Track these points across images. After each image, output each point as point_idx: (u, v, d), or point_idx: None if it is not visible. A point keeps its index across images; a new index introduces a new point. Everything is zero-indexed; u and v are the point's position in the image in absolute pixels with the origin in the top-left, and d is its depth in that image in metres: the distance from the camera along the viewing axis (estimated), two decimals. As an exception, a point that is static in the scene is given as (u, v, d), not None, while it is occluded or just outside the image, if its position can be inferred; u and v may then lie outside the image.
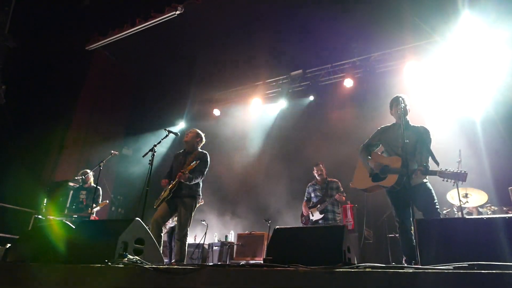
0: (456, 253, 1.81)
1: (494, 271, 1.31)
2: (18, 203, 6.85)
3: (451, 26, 6.32)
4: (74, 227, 3.04)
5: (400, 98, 3.61)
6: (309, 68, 8.36)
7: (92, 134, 9.08)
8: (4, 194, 7.21)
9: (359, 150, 3.93)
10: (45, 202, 7.05)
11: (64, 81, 9.12)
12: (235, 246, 6.93)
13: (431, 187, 3.46)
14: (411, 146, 3.49)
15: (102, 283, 2.10)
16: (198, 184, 4.44)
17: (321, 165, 5.55)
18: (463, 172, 3.15)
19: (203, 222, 7.01)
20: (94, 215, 6.34)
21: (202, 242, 6.98)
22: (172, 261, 5.55)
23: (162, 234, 4.29)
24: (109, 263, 2.19)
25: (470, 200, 4.95)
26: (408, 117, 3.65)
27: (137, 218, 2.63)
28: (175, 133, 4.79)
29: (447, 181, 3.28)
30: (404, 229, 3.43)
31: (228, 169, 8.63)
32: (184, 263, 4.06)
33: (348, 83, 7.74)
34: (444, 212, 5.22)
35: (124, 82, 10.25)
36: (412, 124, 3.69)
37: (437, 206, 3.37)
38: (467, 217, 4.53)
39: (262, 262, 2.28)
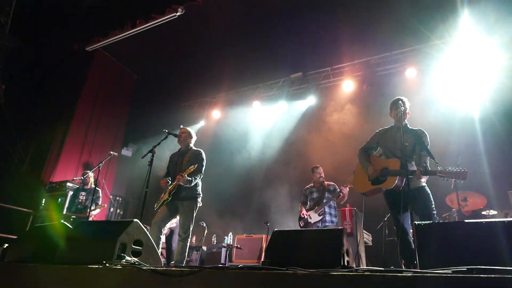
0: (455, 257, 1.79)
1: (493, 275, 1.31)
2: (17, 203, 6.83)
3: (450, 29, 6.34)
4: (71, 227, 3.02)
5: (400, 101, 3.61)
6: (309, 70, 8.38)
7: (92, 135, 9.08)
8: (3, 194, 7.20)
9: (358, 153, 3.93)
10: (43, 202, 7.05)
11: (64, 81, 9.14)
12: (233, 248, 6.91)
13: (429, 192, 3.45)
14: (410, 148, 3.50)
15: (100, 284, 2.09)
16: (197, 183, 4.44)
17: (319, 168, 5.56)
18: (463, 170, 3.12)
19: (202, 224, 6.99)
20: (93, 217, 6.32)
21: (200, 244, 6.96)
22: (171, 262, 5.54)
23: (161, 236, 4.29)
24: (107, 264, 2.18)
25: (469, 203, 4.96)
26: (406, 120, 3.65)
27: (136, 220, 2.61)
28: (175, 135, 4.78)
29: (447, 180, 3.27)
30: (403, 232, 3.42)
31: (227, 171, 8.61)
32: (183, 265, 4.04)
33: (348, 86, 7.76)
34: (444, 216, 5.21)
35: (124, 83, 10.26)
36: (410, 127, 3.68)
37: (434, 211, 3.34)
38: (466, 220, 4.53)
39: (260, 264, 2.27)
